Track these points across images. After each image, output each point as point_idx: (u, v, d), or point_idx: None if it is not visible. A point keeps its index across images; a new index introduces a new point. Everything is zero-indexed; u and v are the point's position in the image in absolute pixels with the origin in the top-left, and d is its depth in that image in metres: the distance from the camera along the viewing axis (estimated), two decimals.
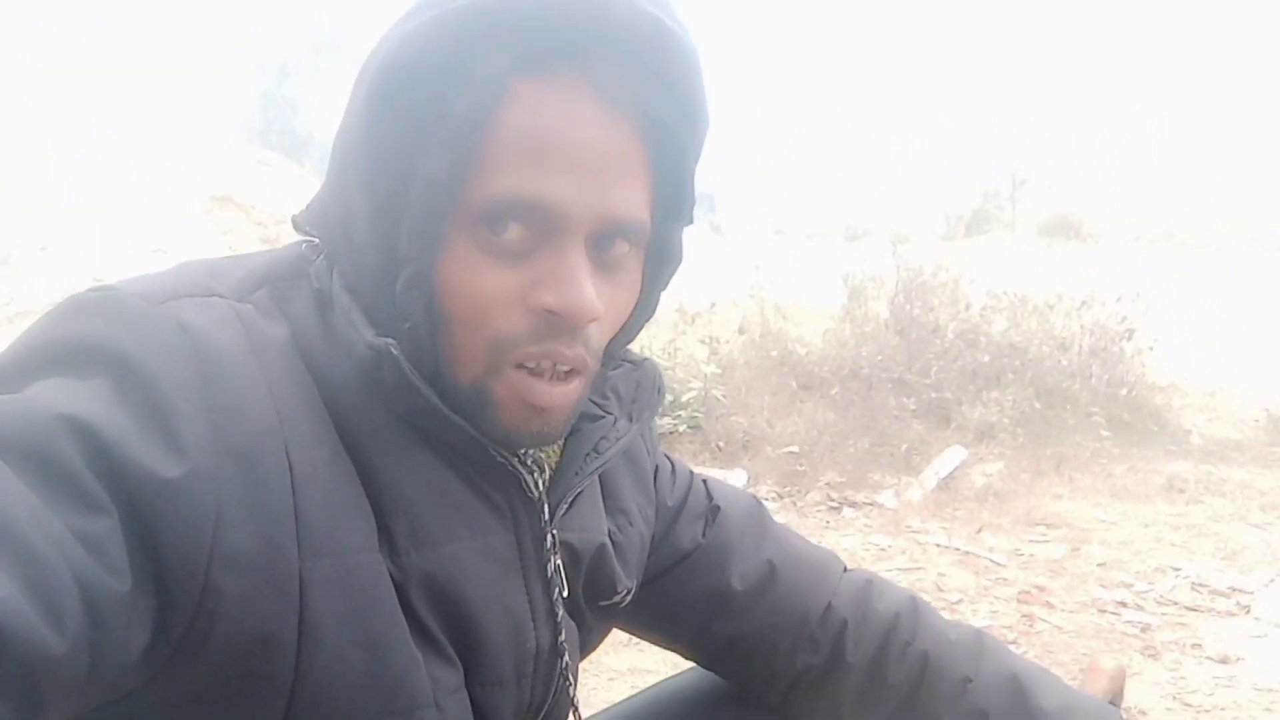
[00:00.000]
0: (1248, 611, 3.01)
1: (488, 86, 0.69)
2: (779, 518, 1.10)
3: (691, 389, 4.40)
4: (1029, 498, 3.90)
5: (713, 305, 5.18)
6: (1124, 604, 3.04)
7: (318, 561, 0.68)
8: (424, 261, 0.71)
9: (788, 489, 3.97)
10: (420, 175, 0.70)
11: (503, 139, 0.69)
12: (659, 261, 0.82)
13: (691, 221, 0.83)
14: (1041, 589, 3.10)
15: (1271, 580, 3.24)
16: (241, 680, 0.67)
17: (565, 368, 0.75)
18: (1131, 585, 3.18)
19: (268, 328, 0.73)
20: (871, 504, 3.83)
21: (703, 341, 4.73)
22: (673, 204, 0.79)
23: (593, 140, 0.71)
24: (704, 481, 1.11)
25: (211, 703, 0.68)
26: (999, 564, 3.30)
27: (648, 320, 0.85)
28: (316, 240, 0.80)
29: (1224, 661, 2.68)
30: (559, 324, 0.72)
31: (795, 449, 4.21)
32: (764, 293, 5.37)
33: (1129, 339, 5.14)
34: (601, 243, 0.74)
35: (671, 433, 4.32)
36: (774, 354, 4.91)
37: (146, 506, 0.62)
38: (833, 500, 3.86)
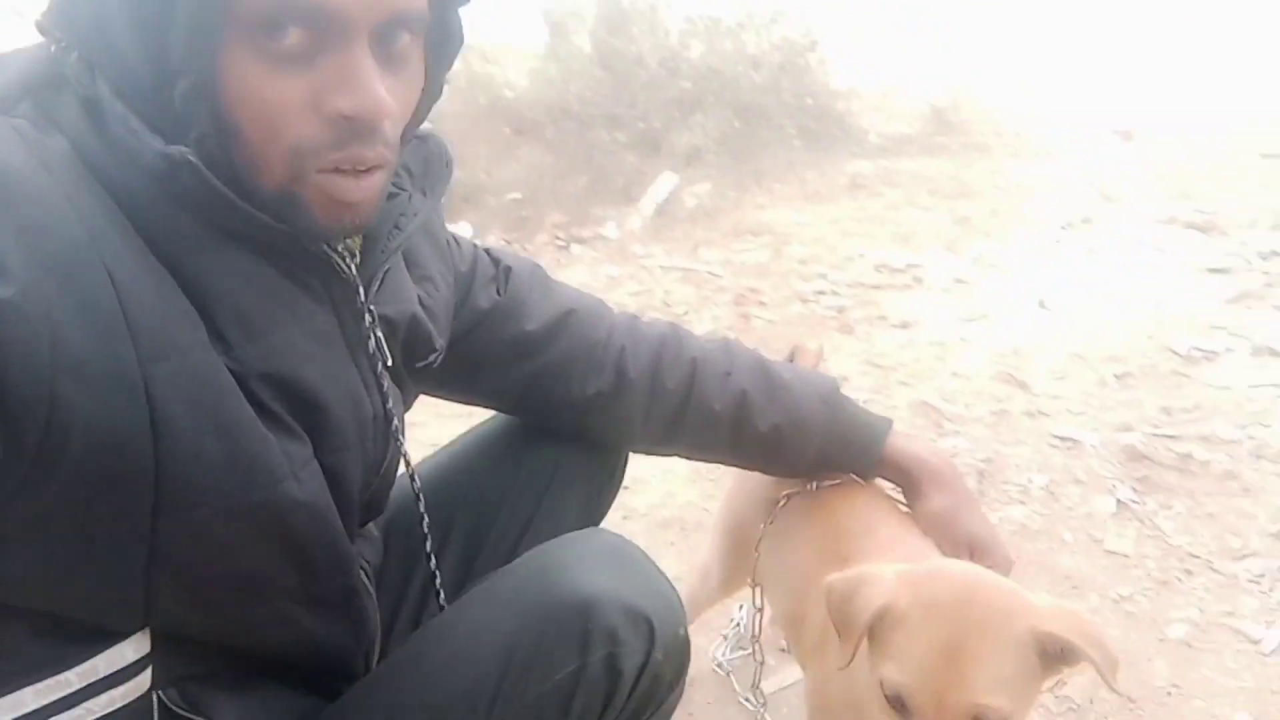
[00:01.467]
0: (921, 283, 3.50)
1: None
2: None
3: None
4: (736, 212, 4.22)
5: None
6: (822, 292, 3.45)
7: (158, 364, 0.70)
8: (202, 73, 0.70)
9: (515, 235, 4.07)
10: None
11: None
12: (440, 43, 0.84)
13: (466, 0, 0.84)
14: (754, 290, 3.45)
15: (936, 254, 3.75)
16: (104, 485, 0.70)
17: (366, 166, 0.77)
18: (826, 275, 3.59)
19: (47, 142, 0.71)
20: (597, 237, 4.02)
21: None
22: None
23: None
24: (486, 250, 1.20)
25: (80, 511, 0.71)
26: (716, 275, 3.61)
27: (435, 102, 0.88)
28: (64, 43, 0.75)
29: (904, 327, 3.14)
30: (356, 127, 0.74)
31: (518, 195, 4.28)
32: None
33: (813, 50, 5.45)
34: (384, 38, 0.75)
35: None
36: (483, 101, 4.83)
37: None
38: (560, 240, 4.01)
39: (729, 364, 1.24)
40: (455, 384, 1.18)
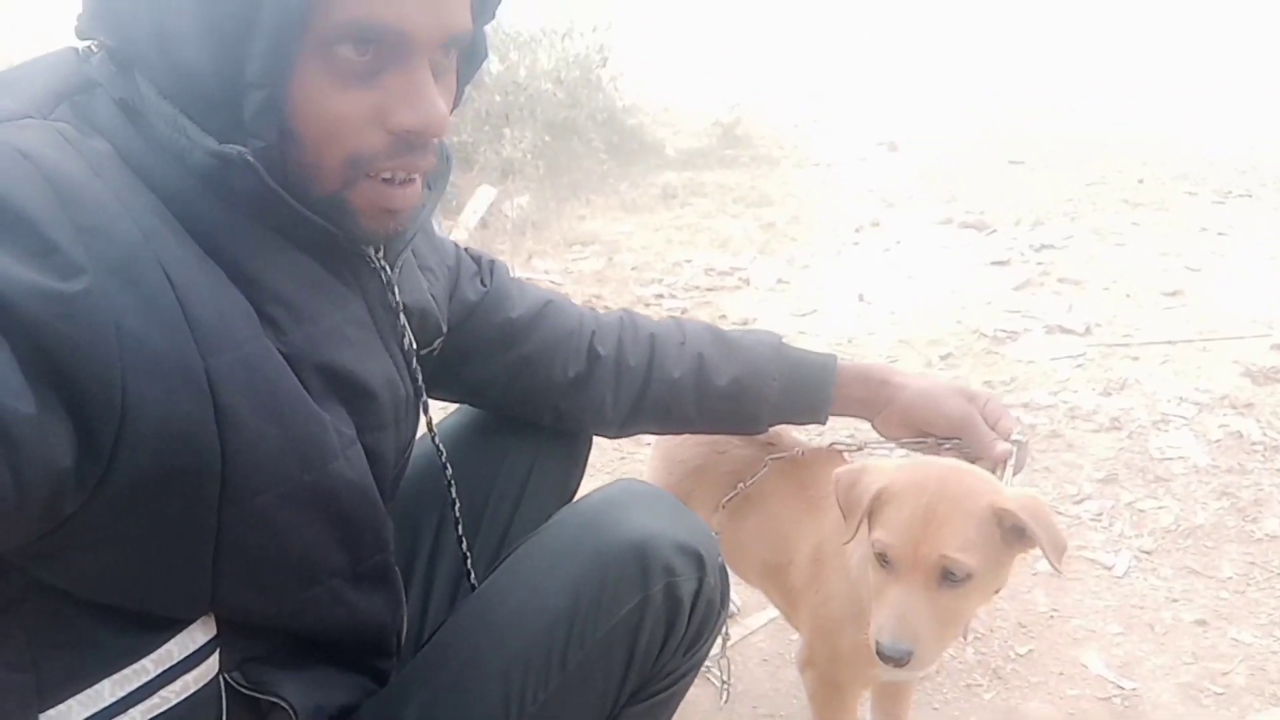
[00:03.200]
0: (748, 284, 3.74)
1: None
2: None
3: None
4: (560, 222, 4.32)
5: None
6: (660, 296, 3.62)
7: (219, 357, 0.73)
8: (277, 87, 0.74)
9: None
10: (270, 3, 0.71)
11: None
12: (470, 57, 0.91)
13: (493, 16, 0.92)
14: (597, 296, 3.57)
15: (754, 258, 4.03)
16: (173, 479, 0.72)
17: (417, 174, 0.84)
18: (661, 280, 3.77)
19: (91, 144, 0.73)
20: None
21: None
22: (484, 4, 0.87)
23: None
24: (464, 248, 1.27)
25: (149, 506, 0.72)
26: (556, 283, 3.70)
27: (456, 109, 0.94)
28: (92, 45, 0.78)
29: (746, 323, 3.36)
30: (414, 140, 0.81)
31: None
32: None
33: (604, 66, 5.66)
34: (438, 57, 0.82)
35: None
36: None
37: (47, 332, 0.63)
38: None
39: (682, 334, 1.34)
40: (443, 375, 1.22)
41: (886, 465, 1.19)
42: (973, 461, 1.24)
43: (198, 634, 0.82)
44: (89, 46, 0.79)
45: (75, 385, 0.64)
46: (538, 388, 1.27)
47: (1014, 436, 1.26)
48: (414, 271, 1.04)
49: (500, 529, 1.29)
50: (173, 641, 0.81)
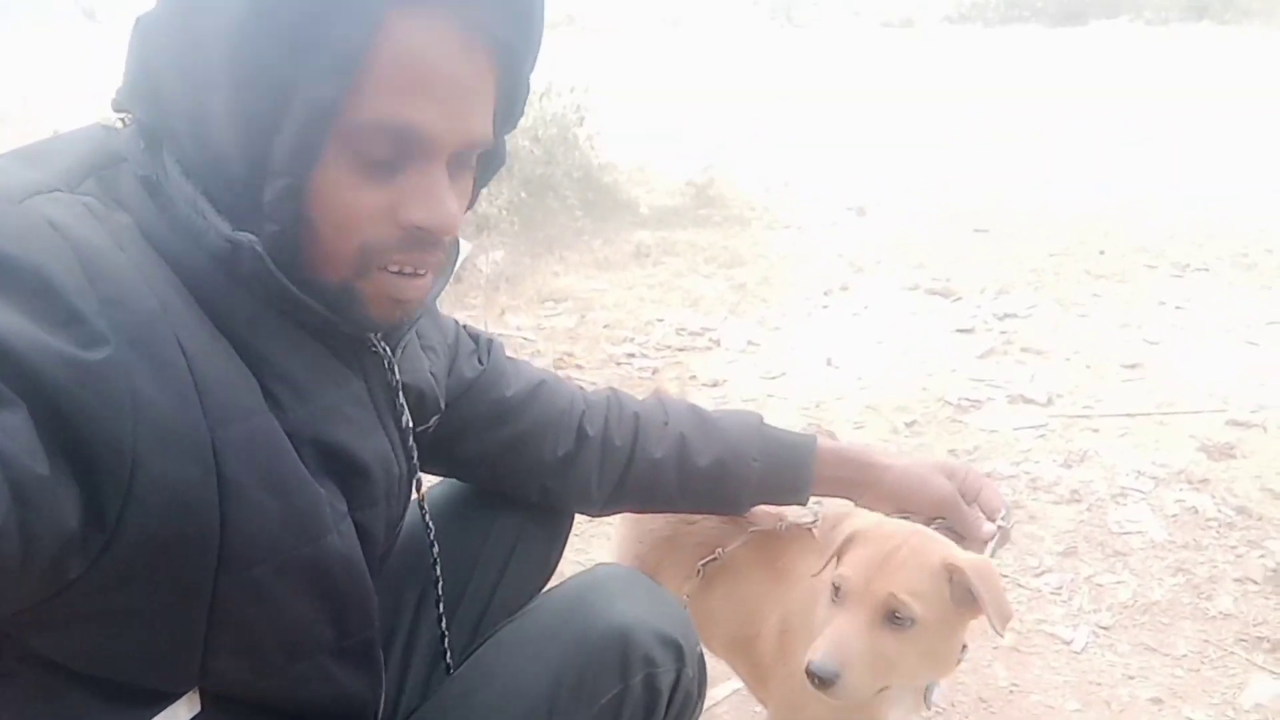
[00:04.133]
0: (718, 345, 3.78)
1: (366, 16, 0.75)
2: None
3: None
4: (534, 278, 4.36)
5: None
6: (632, 355, 3.65)
7: (226, 429, 0.76)
8: (299, 176, 0.77)
9: None
10: (302, 98, 0.75)
11: (379, 67, 0.76)
12: (488, 162, 0.94)
13: (515, 126, 0.95)
14: (569, 354, 3.59)
15: (725, 318, 4.08)
16: (170, 548, 0.73)
17: (425, 270, 0.87)
18: (633, 339, 3.80)
19: (115, 218, 0.76)
20: None
21: None
22: (507, 114, 0.90)
23: (457, 72, 0.81)
24: (463, 326, 1.29)
25: (145, 575, 0.73)
26: (529, 339, 3.72)
27: (471, 208, 0.97)
28: (124, 119, 0.81)
29: (715, 385, 3.40)
30: (424, 237, 0.83)
31: None
32: None
33: (580, 125, 5.74)
34: (457, 159, 0.85)
35: None
36: None
37: (65, 398, 0.65)
38: None
39: (665, 415, 1.37)
40: (436, 451, 1.23)
41: (870, 514, 1.25)
42: (959, 540, 1.27)
43: (181, 711, 0.83)
44: (120, 120, 0.81)
45: (88, 453, 0.65)
46: (527, 466, 1.29)
47: (999, 521, 1.30)
48: (416, 351, 1.06)
49: (480, 607, 1.30)
50: (157, 718, 0.81)
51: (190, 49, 0.76)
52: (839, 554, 1.21)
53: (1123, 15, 13.92)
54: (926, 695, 1.29)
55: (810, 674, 1.12)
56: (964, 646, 1.24)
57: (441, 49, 0.78)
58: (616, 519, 1.64)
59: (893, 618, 1.13)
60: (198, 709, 0.84)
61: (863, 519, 1.23)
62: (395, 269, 0.84)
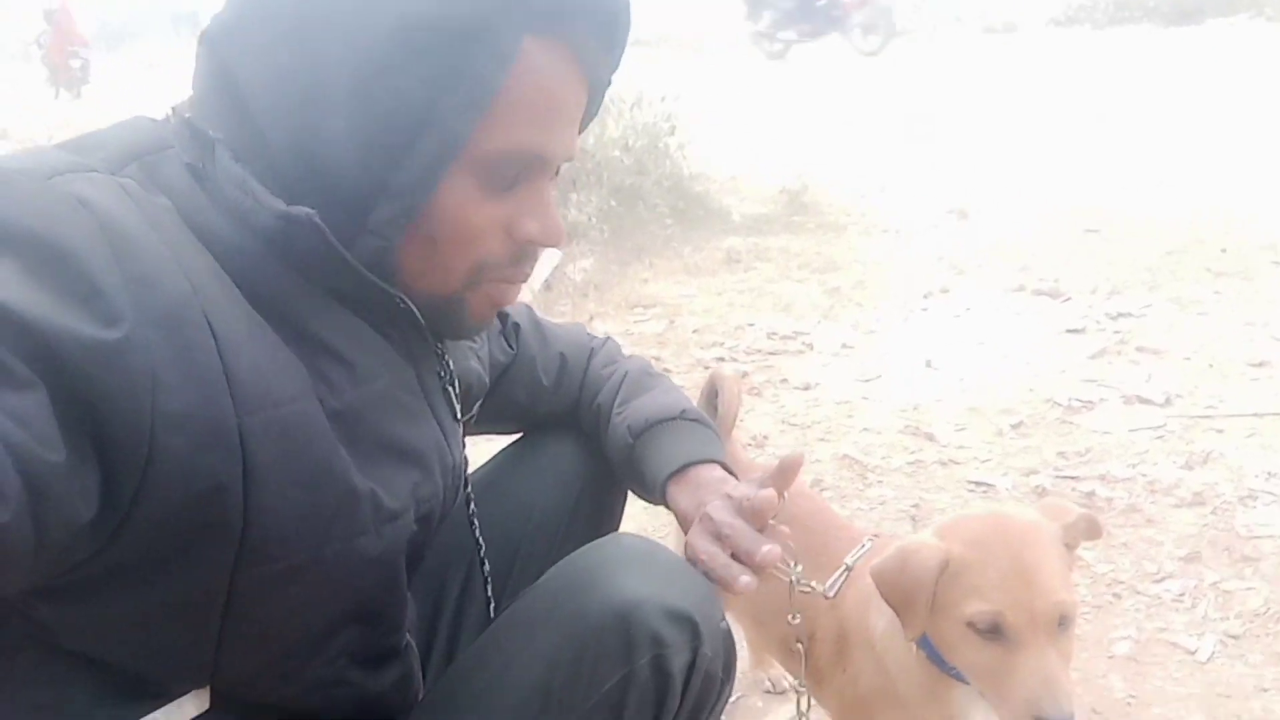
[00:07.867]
0: (811, 349, 3.68)
1: (504, 46, 0.76)
2: None
3: None
4: (623, 285, 4.33)
5: None
6: (721, 359, 3.57)
7: (254, 416, 0.71)
8: (418, 198, 0.78)
9: None
10: (437, 128, 0.75)
11: (513, 97, 0.78)
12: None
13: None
14: (657, 359, 3.53)
15: (818, 322, 3.97)
16: (192, 534, 0.70)
17: (524, 278, 0.90)
18: (723, 343, 3.73)
19: (153, 199, 0.74)
20: None
21: None
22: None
23: (571, 102, 0.84)
24: None
25: (162, 562, 0.70)
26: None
27: None
28: (179, 119, 0.80)
29: (807, 388, 3.29)
30: (532, 250, 0.86)
31: None
32: None
33: (672, 135, 5.72)
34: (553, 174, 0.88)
35: None
36: None
37: (82, 376, 0.62)
38: None
39: (621, 374, 1.31)
40: (479, 428, 1.21)
41: (926, 539, 1.11)
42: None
43: (188, 706, 0.79)
44: (170, 110, 0.82)
45: (106, 433, 0.63)
46: (542, 422, 1.31)
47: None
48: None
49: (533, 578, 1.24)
50: (160, 711, 0.77)
51: (306, 69, 0.75)
52: (937, 595, 1.06)
53: (1241, 13, 13.23)
54: None
55: None
56: None
57: (564, 80, 0.82)
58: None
59: (1063, 623, 1.04)
60: (205, 706, 0.80)
61: (927, 546, 1.08)
62: (507, 279, 0.87)
